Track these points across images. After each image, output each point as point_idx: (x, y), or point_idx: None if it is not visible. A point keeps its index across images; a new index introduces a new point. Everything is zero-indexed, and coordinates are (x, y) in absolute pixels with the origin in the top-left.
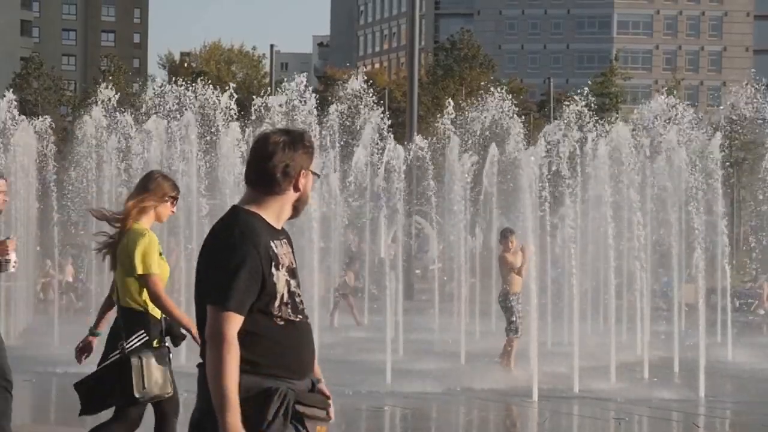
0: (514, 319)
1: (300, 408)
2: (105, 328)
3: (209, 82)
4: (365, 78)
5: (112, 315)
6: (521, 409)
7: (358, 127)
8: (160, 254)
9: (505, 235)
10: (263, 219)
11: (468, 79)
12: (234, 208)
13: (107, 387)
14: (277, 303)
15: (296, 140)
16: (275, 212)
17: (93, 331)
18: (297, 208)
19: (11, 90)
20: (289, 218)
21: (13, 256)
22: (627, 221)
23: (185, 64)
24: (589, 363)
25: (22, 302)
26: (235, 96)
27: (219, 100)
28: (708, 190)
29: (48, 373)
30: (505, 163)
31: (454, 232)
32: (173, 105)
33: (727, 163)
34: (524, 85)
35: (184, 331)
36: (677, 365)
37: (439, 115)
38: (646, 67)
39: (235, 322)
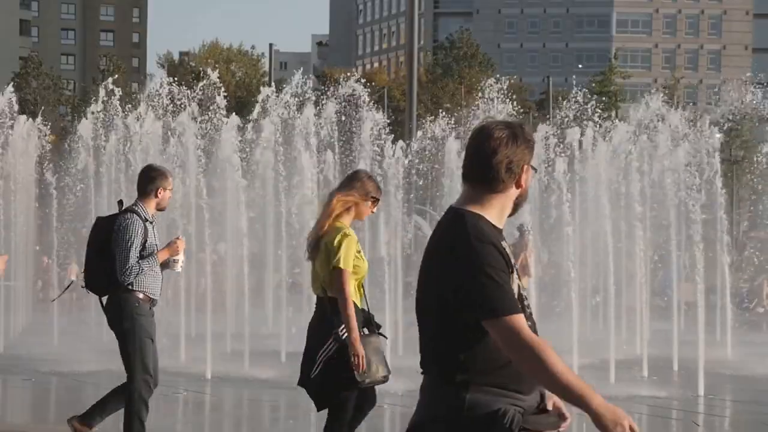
0: None
1: None
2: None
3: (208, 83)
4: (362, 77)
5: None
6: None
7: (357, 128)
8: (359, 251)
9: (523, 232)
10: (487, 220)
11: (467, 78)
12: (457, 211)
13: (333, 377)
14: None
15: (518, 134)
16: (497, 211)
17: None
18: (517, 205)
19: (12, 89)
20: (508, 216)
21: (181, 257)
22: (626, 219)
23: (184, 64)
24: (588, 361)
25: (21, 302)
26: (223, 93)
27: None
28: (707, 188)
29: (47, 372)
30: None
31: None
32: (173, 100)
33: (727, 161)
34: (523, 84)
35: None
36: (676, 363)
37: (434, 117)
38: (645, 66)
39: (523, 321)
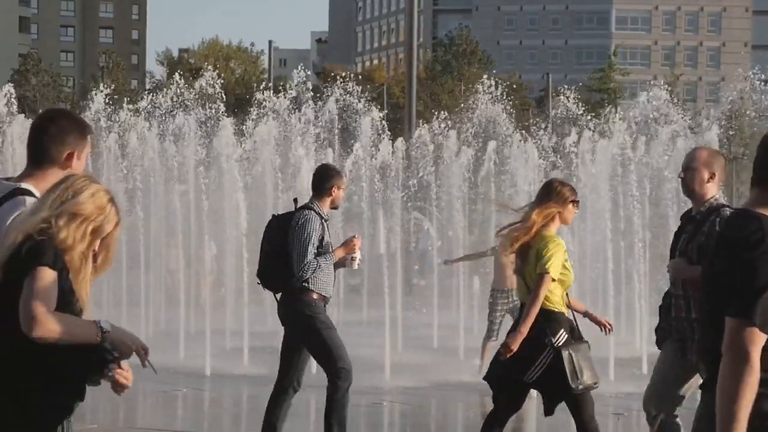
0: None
1: None
2: None
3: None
4: (362, 75)
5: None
6: None
7: (354, 127)
8: (566, 260)
9: None
10: None
11: (466, 75)
12: (747, 211)
13: (547, 383)
14: None
15: None
16: None
17: None
18: None
19: (10, 85)
20: None
21: (358, 255)
22: (624, 216)
23: (184, 61)
24: None
25: None
26: (217, 79)
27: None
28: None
29: None
30: (502, 158)
31: (452, 227)
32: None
33: (728, 158)
34: (522, 81)
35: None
36: None
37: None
38: (645, 63)
39: (759, 339)
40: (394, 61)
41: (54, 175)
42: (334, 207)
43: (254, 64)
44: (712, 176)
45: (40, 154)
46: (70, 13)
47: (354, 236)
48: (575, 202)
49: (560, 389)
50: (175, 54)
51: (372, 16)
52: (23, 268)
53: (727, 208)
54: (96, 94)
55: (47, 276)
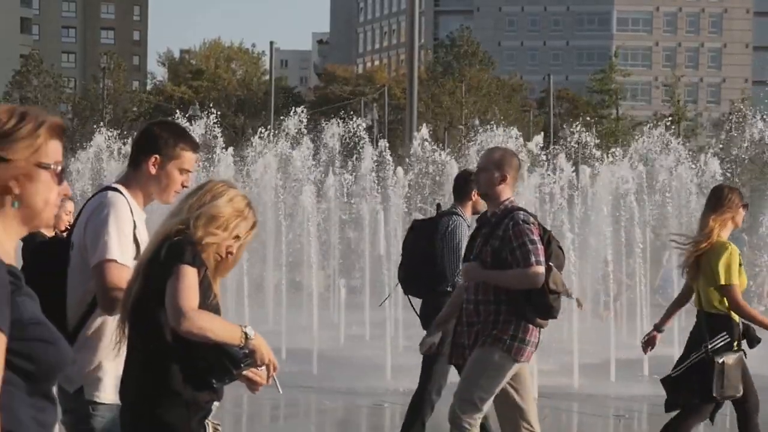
0: None
1: None
2: (668, 326)
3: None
4: (363, 75)
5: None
6: None
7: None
8: (740, 265)
9: None
10: None
11: (467, 76)
12: None
13: (690, 384)
14: None
15: None
16: None
17: (658, 328)
18: None
19: (10, 86)
20: None
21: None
22: (627, 218)
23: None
24: (589, 360)
25: None
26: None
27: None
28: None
29: None
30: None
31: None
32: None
33: (726, 160)
34: (524, 82)
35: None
36: None
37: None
38: (646, 64)
39: None
40: (395, 62)
41: (136, 179)
42: (475, 212)
43: (255, 65)
44: (504, 178)
45: (129, 158)
46: (71, 13)
47: None
48: (745, 206)
49: (702, 393)
50: (177, 55)
51: (373, 17)
52: (165, 269)
53: (521, 212)
54: (98, 132)
55: (189, 273)
